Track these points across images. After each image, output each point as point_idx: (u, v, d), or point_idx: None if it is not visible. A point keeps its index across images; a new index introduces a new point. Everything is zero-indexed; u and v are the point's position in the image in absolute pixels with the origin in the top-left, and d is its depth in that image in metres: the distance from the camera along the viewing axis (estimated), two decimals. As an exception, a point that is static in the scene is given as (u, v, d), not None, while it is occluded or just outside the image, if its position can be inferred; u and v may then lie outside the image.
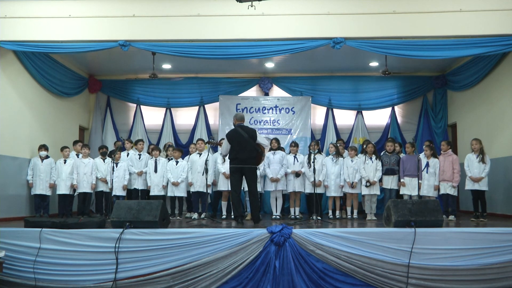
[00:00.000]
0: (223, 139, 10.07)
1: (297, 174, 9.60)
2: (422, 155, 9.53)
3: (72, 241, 6.65)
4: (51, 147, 10.16)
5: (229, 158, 8.37)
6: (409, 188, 9.22)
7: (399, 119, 12.96)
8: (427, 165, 9.25)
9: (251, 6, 7.08)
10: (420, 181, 8.99)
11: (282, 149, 10.10)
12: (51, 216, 9.78)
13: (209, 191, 9.81)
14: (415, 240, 6.39)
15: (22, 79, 10.01)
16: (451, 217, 9.08)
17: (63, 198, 9.98)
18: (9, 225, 7.57)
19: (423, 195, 9.15)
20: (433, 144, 10.34)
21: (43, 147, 9.90)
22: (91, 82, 12.98)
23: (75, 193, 10.09)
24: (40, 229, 6.73)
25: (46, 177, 9.83)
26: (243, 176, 8.27)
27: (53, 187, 9.95)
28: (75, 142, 10.78)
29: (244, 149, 8.09)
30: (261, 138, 8.37)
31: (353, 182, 9.53)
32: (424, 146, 9.68)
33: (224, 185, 9.65)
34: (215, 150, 10.76)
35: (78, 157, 10.21)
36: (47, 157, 9.91)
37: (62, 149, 10.06)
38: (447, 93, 12.76)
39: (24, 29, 9.07)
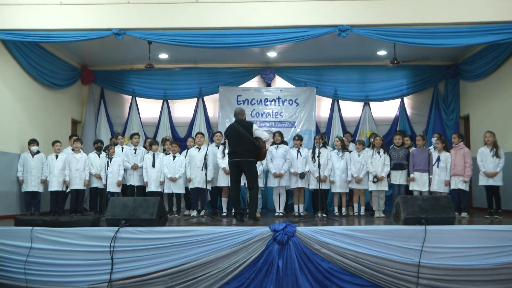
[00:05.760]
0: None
1: (302, 176, 9.59)
2: (432, 149, 9.51)
3: (65, 240, 6.63)
4: (42, 141, 10.15)
5: (227, 153, 8.47)
6: (419, 183, 9.20)
7: (409, 111, 12.92)
8: (438, 159, 9.23)
9: (253, -8, 7.06)
10: (430, 176, 8.97)
11: (285, 143, 10.08)
12: (43, 214, 9.79)
13: (209, 187, 9.81)
14: (426, 238, 6.36)
15: (11, 70, 9.99)
16: (464, 214, 9.07)
17: (55, 195, 9.98)
18: (-1, 224, 7.58)
19: (434, 191, 9.12)
20: (443, 137, 10.31)
21: (34, 141, 9.89)
22: (84, 73, 12.95)
23: (68, 190, 10.09)
24: (31, 227, 6.72)
25: (37, 173, 9.84)
26: (242, 172, 8.29)
27: (44, 183, 9.96)
28: (71, 137, 10.77)
29: (240, 143, 8.15)
30: (259, 131, 8.33)
31: (358, 176, 9.53)
32: (435, 139, 9.63)
33: (224, 180, 9.65)
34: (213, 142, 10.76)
35: (73, 151, 10.21)
36: (38, 152, 9.91)
37: (54, 143, 10.07)
38: (459, 83, 12.70)
39: (12, 17, 9.04)
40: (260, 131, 8.37)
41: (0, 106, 9.60)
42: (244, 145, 8.13)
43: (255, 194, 8.23)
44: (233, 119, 8.56)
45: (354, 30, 8.87)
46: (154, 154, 10.10)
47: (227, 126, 8.80)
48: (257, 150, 8.23)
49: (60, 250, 6.62)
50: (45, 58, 10.96)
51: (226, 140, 8.50)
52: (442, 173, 9.19)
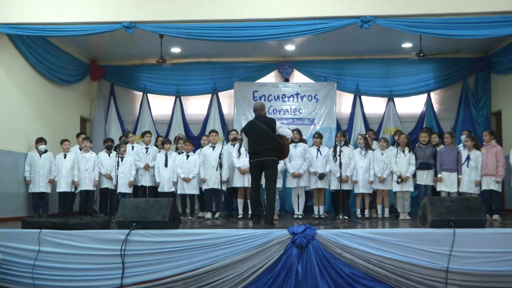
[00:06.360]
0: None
1: (321, 176, 9.56)
2: (461, 147, 9.44)
3: (74, 243, 6.69)
4: (50, 140, 10.26)
5: (248, 152, 8.36)
6: (447, 184, 9.15)
7: (436, 107, 12.83)
8: (468, 158, 9.16)
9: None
10: (459, 176, 8.91)
11: (304, 141, 10.07)
12: (51, 216, 9.90)
13: (224, 188, 9.82)
14: (455, 242, 6.32)
15: (17, 66, 10.10)
16: (496, 216, 8.99)
17: (63, 196, 10.08)
18: (6, 226, 7.67)
19: (463, 191, 9.08)
20: (473, 134, 10.22)
21: (42, 140, 9.99)
22: (93, 68, 13.06)
23: (77, 191, 10.18)
24: (39, 230, 6.79)
25: (45, 173, 9.93)
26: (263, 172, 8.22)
27: (52, 182, 10.05)
28: (78, 135, 10.85)
29: (262, 141, 8.01)
30: (283, 129, 8.28)
31: (382, 175, 9.50)
32: (465, 137, 9.55)
33: (239, 181, 9.66)
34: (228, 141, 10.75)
35: (81, 151, 10.30)
36: (45, 151, 10.01)
37: (62, 142, 10.15)
38: (491, 77, 12.55)
39: (19, 10, 9.13)
40: (284, 129, 8.32)
41: (6, 103, 9.71)
42: (266, 144, 8.02)
43: (273, 196, 8.13)
44: (249, 116, 8.55)
45: (377, 21, 8.82)
46: (166, 153, 10.15)
47: (246, 122, 8.74)
48: (280, 148, 8.17)
49: (69, 254, 6.68)
50: (53, 53, 11.07)
51: (243, 137, 8.40)
52: (472, 172, 9.12)
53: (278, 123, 8.26)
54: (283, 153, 8.30)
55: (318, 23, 8.99)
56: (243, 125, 11.45)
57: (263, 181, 8.48)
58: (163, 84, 13.24)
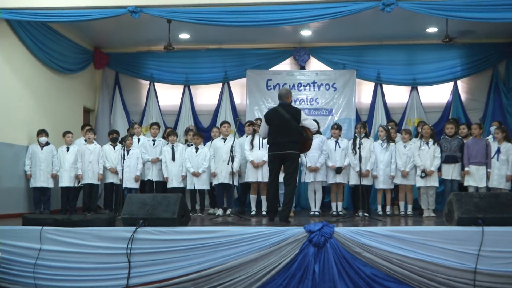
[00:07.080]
0: (259, 119, 9.98)
1: (338, 170, 9.52)
2: (490, 139, 9.36)
3: (77, 241, 6.72)
4: (52, 132, 10.32)
5: (267, 143, 8.29)
6: (476, 178, 9.09)
7: (463, 96, 12.74)
8: (498, 150, 9.09)
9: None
10: (489, 170, 8.83)
11: (319, 133, 10.01)
12: (53, 213, 9.98)
13: (236, 183, 9.82)
14: (483, 241, 6.27)
15: (17, 54, 10.15)
16: (527, 214, 8.92)
17: (66, 192, 10.15)
18: (5, 223, 7.70)
19: (493, 187, 9.02)
20: (504, 126, 10.12)
21: (43, 132, 10.03)
22: (97, 55, 13.12)
23: (79, 184, 10.20)
24: (40, 227, 6.83)
25: (47, 167, 9.98)
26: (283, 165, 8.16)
27: (55, 177, 10.11)
28: (83, 127, 10.89)
29: (284, 132, 7.93)
30: (308, 121, 8.17)
31: (405, 169, 9.45)
32: (494, 128, 9.48)
33: (252, 175, 9.64)
34: (241, 133, 10.72)
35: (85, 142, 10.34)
36: (47, 143, 10.06)
37: (65, 134, 10.21)
38: (523, 63, 12.47)
39: (18, -6, 9.19)
40: (309, 121, 8.22)
41: (6, 93, 9.76)
42: (288, 135, 7.92)
43: (291, 192, 8.06)
44: (263, 106, 8.51)
45: (400, 4, 8.74)
46: (173, 146, 10.15)
47: (260, 112, 8.66)
48: (303, 141, 8.09)
49: (72, 252, 6.71)
50: (54, 40, 11.11)
51: (262, 124, 8.28)
52: (503, 166, 9.05)
53: (303, 114, 8.16)
54: (305, 146, 8.22)
55: (336, 6, 8.94)
56: (256, 116, 11.50)
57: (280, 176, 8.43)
58: (171, 73, 13.25)
